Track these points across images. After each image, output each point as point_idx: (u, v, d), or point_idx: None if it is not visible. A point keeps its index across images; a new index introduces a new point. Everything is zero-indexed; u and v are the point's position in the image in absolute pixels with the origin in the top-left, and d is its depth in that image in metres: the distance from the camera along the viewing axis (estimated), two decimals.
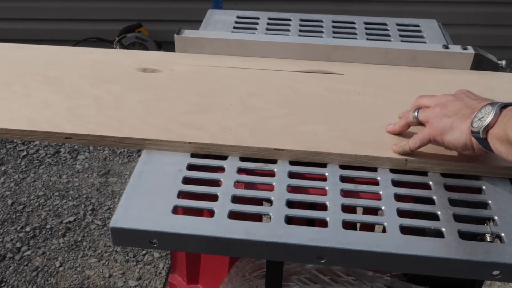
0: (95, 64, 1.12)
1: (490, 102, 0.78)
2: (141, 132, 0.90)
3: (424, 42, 1.25)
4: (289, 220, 0.76)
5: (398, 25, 1.33)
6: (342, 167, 0.86)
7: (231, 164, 0.86)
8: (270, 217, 0.77)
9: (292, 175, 0.85)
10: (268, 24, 1.34)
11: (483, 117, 0.75)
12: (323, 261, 0.73)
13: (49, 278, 2.05)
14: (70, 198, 2.42)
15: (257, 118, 0.94)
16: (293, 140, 0.88)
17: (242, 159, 0.88)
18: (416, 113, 0.86)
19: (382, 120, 0.94)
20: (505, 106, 0.74)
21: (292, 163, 0.87)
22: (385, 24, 1.33)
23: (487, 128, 0.73)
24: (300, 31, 1.30)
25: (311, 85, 1.05)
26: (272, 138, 0.89)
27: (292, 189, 0.82)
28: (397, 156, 0.85)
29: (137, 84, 1.05)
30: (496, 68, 1.11)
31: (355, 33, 1.29)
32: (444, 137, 0.80)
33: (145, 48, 3.25)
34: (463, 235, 0.74)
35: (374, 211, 0.82)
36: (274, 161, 0.87)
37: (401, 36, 1.28)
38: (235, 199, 0.79)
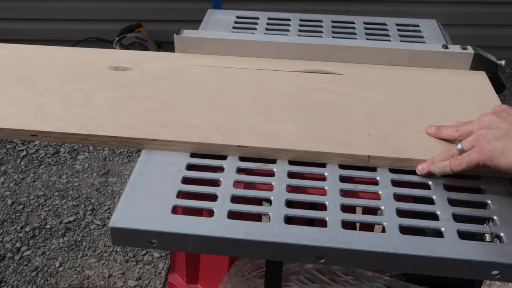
0: (69, 63, 1.13)
1: None
2: (106, 130, 0.90)
3: (424, 42, 1.25)
4: (289, 220, 0.76)
5: (397, 25, 1.33)
6: (342, 167, 0.86)
7: (231, 164, 0.86)
8: (269, 217, 0.77)
9: (291, 175, 0.85)
10: (267, 24, 1.34)
11: None
12: (322, 261, 0.73)
13: (48, 278, 2.05)
14: (70, 198, 2.42)
15: (224, 115, 0.95)
16: (257, 137, 0.89)
17: (242, 159, 0.88)
18: (460, 146, 0.82)
19: (349, 118, 0.95)
20: None
21: (291, 163, 0.87)
22: (385, 24, 1.33)
23: None
24: (300, 31, 1.30)
25: (283, 83, 1.06)
26: (236, 136, 0.89)
27: (291, 189, 0.82)
28: (360, 153, 0.86)
29: (108, 82, 1.05)
30: (495, 68, 1.11)
31: (354, 33, 1.29)
32: (496, 161, 0.77)
33: (145, 48, 3.25)
34: (463, 235, 0.74)
35: (373, 211, 0.82)
36: (273, 161, 0.87)
37: (400, 36, 1.28)
38: (235, 199, 0.79)
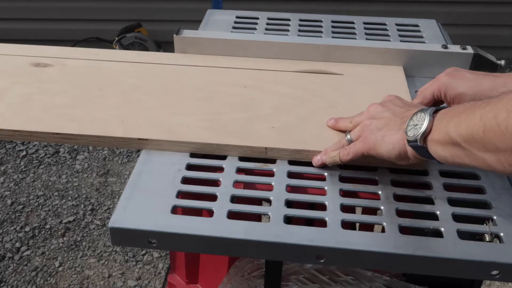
0: None
1: (419, 108, 0.76)
2: (12, 124, 0.92)
3: (423, 42, 1.25)
4: (288, 220, 0.76)
5: (397, 25, 1.33)
6: (341, 167, 0.86)
7: (230, 164, 0.86)
8: (269, 217, 0.77)
9: (291, 175, 0.85)
10: (267, 24, 1.34)
11: (416, 124, 0.72)
12: (322, 261, 0.73)
13: (48, 278, 2.05)
14: (70, 198, 2.42)
15: (133, 109, 0.96)
16: (160, 130, 0.90)
17: (241, 159, 0.88)
18: (349, 136, 0.84)
19: (256, 111, 0.96)
20: (436, 110, 0.72)
21: (291, 163, 0.87)
22: (384, 24, 1.34)
23: (425, 135, 0.71)
24: (300, 31, 1.31)
25: (199, 78, 1.07)
26: (139, 129, 0.90)
27: (291, 189, 0.82)
28: (257, 145, 0.87)
29: (25, 78, 1.06)
30: (495, 68, 1.11)
31: (354, 33, 1.29)
32: (378, 150, 0.78)
33: (144, 48, 3.25)
34: (462, 235, 0.74)
35: (373, 211, 0.82)
36: (273, 161, 0.87)
37: (400, 36, 1.28)
38: (234, 199, 0.79)
